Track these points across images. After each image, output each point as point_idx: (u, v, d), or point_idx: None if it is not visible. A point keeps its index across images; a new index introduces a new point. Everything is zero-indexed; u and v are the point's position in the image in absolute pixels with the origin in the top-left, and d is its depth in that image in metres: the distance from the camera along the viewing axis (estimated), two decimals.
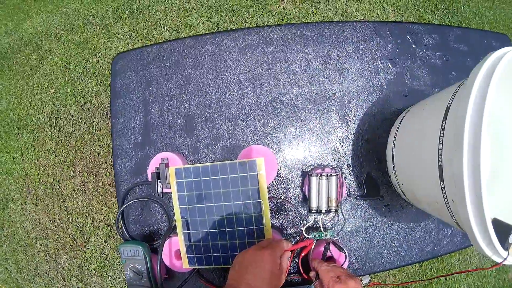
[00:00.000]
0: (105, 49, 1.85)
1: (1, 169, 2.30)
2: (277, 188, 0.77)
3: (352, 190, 0.77)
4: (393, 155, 0.67)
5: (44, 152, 2.04)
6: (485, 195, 0.35)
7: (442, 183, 0.43)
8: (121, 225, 0.81)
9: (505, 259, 0.40)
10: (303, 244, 0.70)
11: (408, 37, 0.80)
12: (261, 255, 0.57)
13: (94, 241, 1.91)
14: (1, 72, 2.31)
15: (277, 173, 0.77)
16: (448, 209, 0.45)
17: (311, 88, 0.79)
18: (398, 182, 0.67)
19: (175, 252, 0.76)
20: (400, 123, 0.67)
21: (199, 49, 0.83)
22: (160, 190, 0.75)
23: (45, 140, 2.03)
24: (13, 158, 2.23)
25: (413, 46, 0.80)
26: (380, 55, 0.80)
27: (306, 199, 0.74)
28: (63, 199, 2.00)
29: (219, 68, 0.82)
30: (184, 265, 0.76)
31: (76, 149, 1.88)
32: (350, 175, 0.77)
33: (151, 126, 0.82)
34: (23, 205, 2.21)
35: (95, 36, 1.89)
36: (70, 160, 1.91)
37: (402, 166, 0.64)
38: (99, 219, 1.88)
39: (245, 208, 0.73)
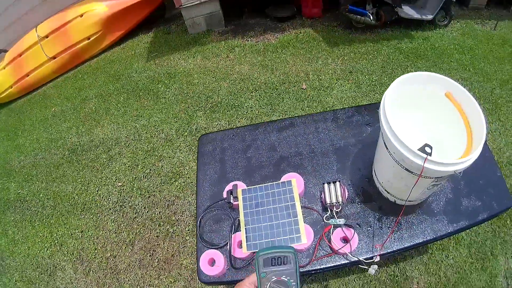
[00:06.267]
0: (169, 157, 2.53)
1: (56, 241, 2.76)
2: (304, 199, 1.35)
3: (355, 198, 1.34)
4: (374, 171, 1.31)
5: (105, 232, 2.56)
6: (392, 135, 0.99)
7: (390, 152, 1.02)
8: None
9: (426, 158, 0.90)
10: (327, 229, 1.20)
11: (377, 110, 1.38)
12: None
13: None
14: (70, 163, 2.91)
15: (304, 189, 1.36)
16: (403, 168, 0.98)
17: (324, 144, 1.51)
18: (380, 183, 1.26)
19: (237, 242, 1.19)
20: (376, 154, 1.30)
21: (255, 132, 1.58)
22: (231, 201, 1.28)
23: (107, 222, 2.57)
24: (71, 234, 2.71)
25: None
26: (362, 121, 1.53)
27: (323, 205, 1.28)
28: (117, 272, 2.47)
29: (268, 140, 1.54)
30: (243, 250, 1.15)
31: (137, 231, 2.43)
32: (351, 188, 1.37)
33: (225, 171, 1.47)
34: (72, 275, 2.63)
35: (160, 147, 2.59)
36: (130, 240, 2.44)
37: (380, 172, 1.25)
38: None
39: (285, 209, 1.24)
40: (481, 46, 3.39)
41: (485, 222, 2.02)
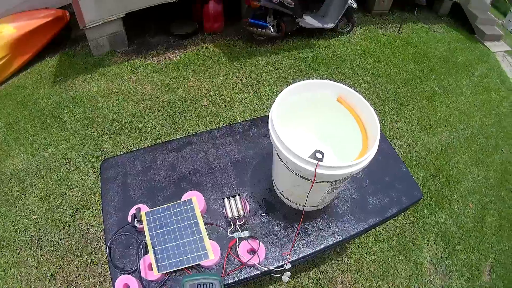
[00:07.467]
0: (79, 185, 2.49)
1: None
2: (207, 215, 1.36)
3: (258, 209, 1.37)
4: (274, 181, 1.34)
5: (26, 268, 2.52)
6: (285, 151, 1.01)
7: (284, 162, 1.03)
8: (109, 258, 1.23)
9: (317, 164, 0.92)
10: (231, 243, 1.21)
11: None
12: None
13: None
14: None
15: (206, 206, 1.36)
16: (298, 175, 0.99)
17: (222, 160, 1.51)
18: (281, 192, 1.29)
19: (148, 265, 1.16)
20: (273, 165, 1.33)
21: (154, 153, 1.57)
22: (136, 225, 1.25)
23: (27, 258, 2.52)
24: None
25: None
26: (258, 133, 1.58)
27: (227, 220, 1.28)
28: None
29: (167, 161, 1.53)
30: (154, 272, 1.13)
31: (57, 265, 2.40)
32: (253, 200, 1.39)
33: (129, 195, 1.44)
34: None
35: (70, 175, 2.53)
36: (52, 274, 2.41)
37: (278, 181, 1.28)
38: None
39: (189, 227, 1.24)
40: (384, 49, 3.49)
41: (401, 215, 2.08)
